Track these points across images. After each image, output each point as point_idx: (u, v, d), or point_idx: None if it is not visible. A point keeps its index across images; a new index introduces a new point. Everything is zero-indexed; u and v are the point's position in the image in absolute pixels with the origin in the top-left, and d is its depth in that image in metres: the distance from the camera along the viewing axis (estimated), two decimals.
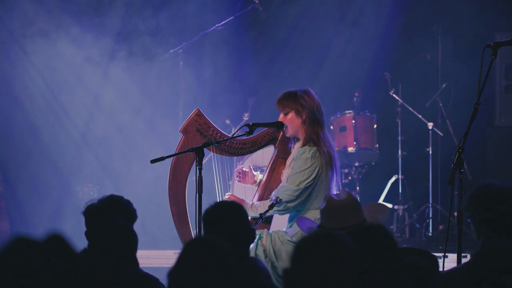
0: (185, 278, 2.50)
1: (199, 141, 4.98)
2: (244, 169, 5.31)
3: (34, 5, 8.24)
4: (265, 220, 5.05)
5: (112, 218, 3.64)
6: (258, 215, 4.87)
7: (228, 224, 3.50)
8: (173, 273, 2.53)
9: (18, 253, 2.19)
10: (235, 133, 5.14)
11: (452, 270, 3.42)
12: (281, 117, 5.08)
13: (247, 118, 8.41)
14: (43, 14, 8.27)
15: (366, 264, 2.53)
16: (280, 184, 5.03)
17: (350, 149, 8.39)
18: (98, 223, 3.81)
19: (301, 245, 2.50)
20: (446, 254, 4.33)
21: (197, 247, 2.58)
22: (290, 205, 4.92)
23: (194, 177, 4.75)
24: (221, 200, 5.05)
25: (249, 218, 4.93)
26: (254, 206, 4.99)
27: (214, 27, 8.37)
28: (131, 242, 3.40)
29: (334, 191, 4.98)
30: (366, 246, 2.73)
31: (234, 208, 3.62)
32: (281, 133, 5.20)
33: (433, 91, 8.63)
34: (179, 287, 2.51)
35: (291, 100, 5.04)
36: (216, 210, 3.58)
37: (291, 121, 5.05)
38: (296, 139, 5.14)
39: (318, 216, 4.34)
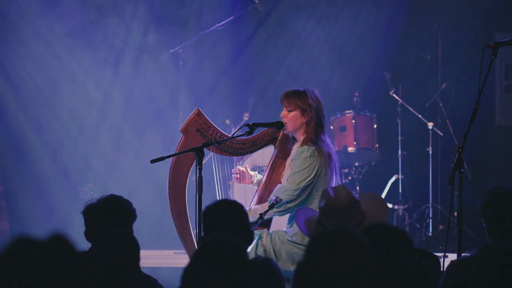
0: (201, 278, 2.49)
1: (199, 141, 4.97)
2: (240, 168, 5.30)
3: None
4: (265, 220, 5.04)
5: (109, 224, 3.63)
6: (257, 217, 4.86)
7: (227, 225, 3.48)
8: (189, 272, 2.51)
9: (21, 253, 2.19)
10: (235, 133, 5.12)
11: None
12: (283, 113, 5.03)
13: (247, 118, 8.40)
14: (44, 10, 8.28)
15: (372, 265, 2.53)
16: (279, 185, 5.00)
17: (350, 149, 8.39)
18: (97, 227, 3.80)
19: (314, 240, 2.50)
20: (446, 254, 4.33)
21: (216, 246, 2.55)
22: (290, 205, 4.90)
23: (194, 177, 4.75)
24: (222, 198, 5.04)
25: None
26: (253, 210, 4.96)
27: (214, 27, 8.36)
28: (130, 249, 3.37)
29: None
30: (382, 245, 2.75)
31: (235, 208, 3.61)
32: (281, 133, 5.18)
33: (433, 91, 8.63)
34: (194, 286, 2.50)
35: (299, 98, 4.99)
36: (216, 209, 3.57)
37: (294, 119, 5.00)
38: (295, 140, 5.12)
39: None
